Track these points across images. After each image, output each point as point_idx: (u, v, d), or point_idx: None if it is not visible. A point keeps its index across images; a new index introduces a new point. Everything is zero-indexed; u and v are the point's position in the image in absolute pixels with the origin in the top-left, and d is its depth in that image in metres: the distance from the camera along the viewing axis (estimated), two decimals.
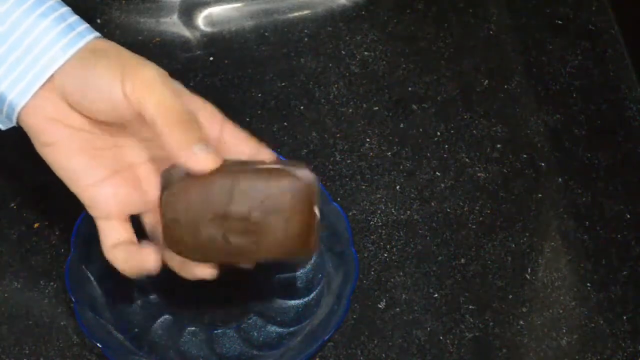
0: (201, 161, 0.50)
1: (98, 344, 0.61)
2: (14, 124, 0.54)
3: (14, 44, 0.52)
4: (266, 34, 0.80)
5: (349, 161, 0.74)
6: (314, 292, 0.66)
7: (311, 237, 0.55)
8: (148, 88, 0.50)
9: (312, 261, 0.67)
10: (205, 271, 0.55)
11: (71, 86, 0.52)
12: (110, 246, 0.55)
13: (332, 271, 0.67)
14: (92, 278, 0.65)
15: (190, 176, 0.52)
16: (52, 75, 0.52)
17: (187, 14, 0.80)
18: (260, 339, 0.65)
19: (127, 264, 0.54)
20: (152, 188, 0.55)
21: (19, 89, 0.52)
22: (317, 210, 0.54)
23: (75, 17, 0.54)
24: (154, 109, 0.50)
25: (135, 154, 0.56)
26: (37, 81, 0.52)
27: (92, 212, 0.55)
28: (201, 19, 0.80)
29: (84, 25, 0.54)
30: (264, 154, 0.56)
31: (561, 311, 0.68)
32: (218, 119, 0.55)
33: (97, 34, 0.54)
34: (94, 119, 0.54)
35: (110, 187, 0.54)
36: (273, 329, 0.66)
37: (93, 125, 0.55)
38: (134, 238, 0.55)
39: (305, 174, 0.53)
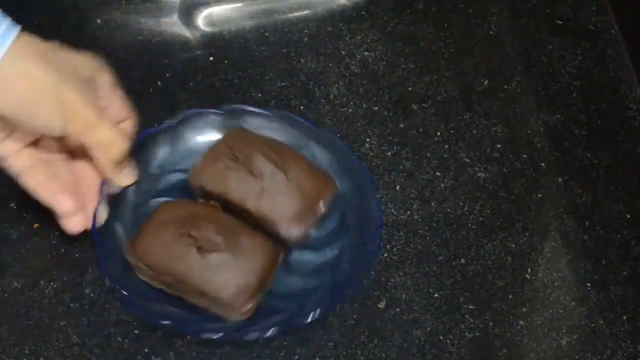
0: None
1: (123, 291, 0.62)
2: None
3: None
4: (266, 34, 0.80)
5: None
6: (336, 247, 0.67)
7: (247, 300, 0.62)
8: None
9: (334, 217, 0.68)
10: None
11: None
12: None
13: (354, 224, 0.67)
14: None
15: None
16: None
17: (187, 14, 0.80)
18: (281, 289, 0.65)
19: None
20: None
21: None
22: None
23: None
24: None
25: None
26: None
27: None
28: (201, 19, 0.80)
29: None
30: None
31: (561, 311, 0.68)
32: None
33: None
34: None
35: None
36: (295, 279, 0.66)
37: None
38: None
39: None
